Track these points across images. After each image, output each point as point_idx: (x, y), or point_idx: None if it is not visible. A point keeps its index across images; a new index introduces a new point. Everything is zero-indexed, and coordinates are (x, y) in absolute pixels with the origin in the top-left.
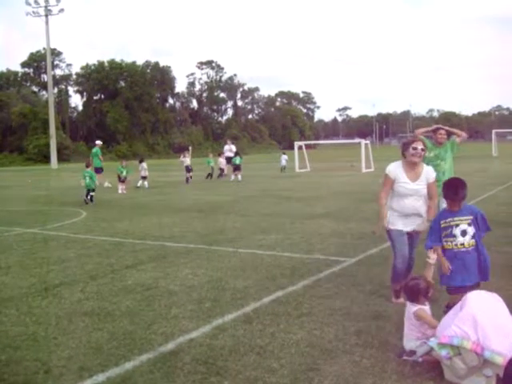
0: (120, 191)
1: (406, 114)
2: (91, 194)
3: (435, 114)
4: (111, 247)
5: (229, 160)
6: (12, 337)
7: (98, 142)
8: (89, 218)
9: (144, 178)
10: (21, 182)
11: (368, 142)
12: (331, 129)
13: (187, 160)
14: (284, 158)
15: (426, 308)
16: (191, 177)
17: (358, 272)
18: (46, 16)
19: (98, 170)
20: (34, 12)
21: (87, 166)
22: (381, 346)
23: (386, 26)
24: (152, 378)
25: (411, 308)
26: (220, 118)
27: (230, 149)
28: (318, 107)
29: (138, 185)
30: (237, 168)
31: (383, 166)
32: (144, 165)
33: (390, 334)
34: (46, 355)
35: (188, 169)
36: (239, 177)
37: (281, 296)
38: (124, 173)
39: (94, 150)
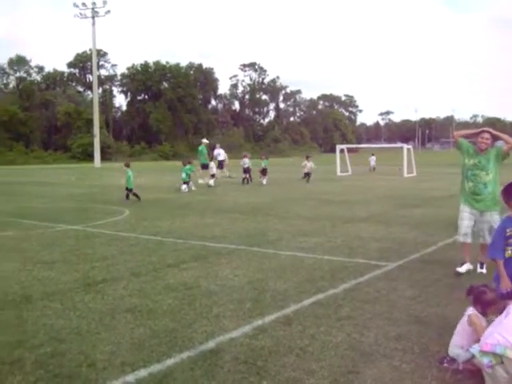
0: (184, 189)
1: (449, 119)
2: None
3: (479, 119)
4: (153, 246)
5: (220, 164)
6: (57, 330)
7: (205, 141)
8: (131, 216)
9: (212, 175)
10: (65, 179)
11: (410, 146)
12: (373, 133)
13: (247, 161)
14: (373, 159)
15: (481, 317)
16: (250, 178)
17: (398, 277)
18: (93, 18)
19: (204, 167)
20: (81, 14)
21: (189, 163)
22: (421, 352)
23: (429, 31)
24: (192, 376)
25: (468, 311)
26: (262, 120)
27: (219, 153)
28: (361, 111)
29: (210, 183)
30: (263, 171)
31: (425, 171)
32: (212, 164)
33: (431, 339)
34: (89, 349)
35: (247, 170)
36: (264, 181)
37: (321, 298)
38: (186, 174)
39: (200, 148)
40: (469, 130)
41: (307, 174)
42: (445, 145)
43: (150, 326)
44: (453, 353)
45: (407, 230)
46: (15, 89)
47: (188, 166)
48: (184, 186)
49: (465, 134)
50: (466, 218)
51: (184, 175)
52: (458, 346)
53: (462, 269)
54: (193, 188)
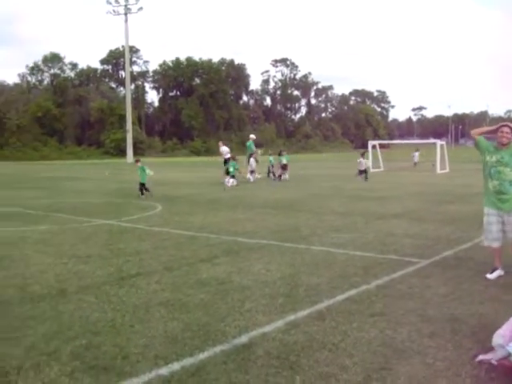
0: (229, 184)
1: (483, 114)
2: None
3: None
4: (186, 240)
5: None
6: (92, 322)
7: (252, 136)
8: (164, 211)
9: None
10: (98, 174)
11: (443, 142)
12: (406, 128)
13: (285, 158)
14: (416, 154)
15: None
16: (282, 174)
17: (432, 274)
18: (126, 14)
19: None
20: (114, 11)
21: (233, 159)
22: (455, 349)
23: (462, 25)
24: (225, 369)
25: None
26: (293, 116)
27: (225, 151)
28: (393, 106)
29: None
30: (284, 167)
31: (458, 168)
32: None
33: (465, 337)
34: (123, 342)
35: (284, 166)
36: (287, 176)
37: (354, 294)
38: (234, 168)
39: (248, 143)
40: (485, 127)
41: (363, 171)
42: None
43: (183, 320)
44: (494, 342)
45: (441, 227)
46: (49, 85)
47: (232, 163)
48: (231, 180)
49: (483, 132)
50: (494, 223)
51: (232, 169)
52: (500, 335)
53: (492, 276)
54: (235, 183)
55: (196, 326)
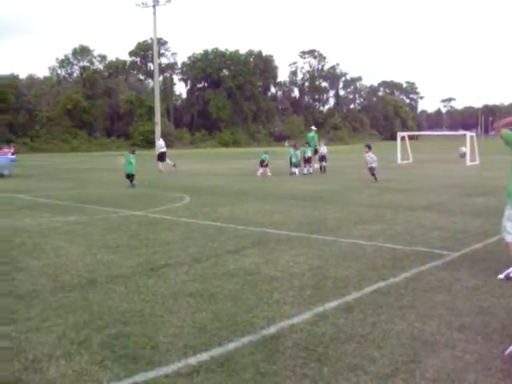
0: (259, 174)
1: None
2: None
3: None
4: (214, 232)
5: (161, 157)
6: (121, 312)
7: (314, 128)
8: (192, 202)
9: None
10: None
11: (473, 134)
12: (434, 120)
13: (324, 149)
14: (462, 149)
15: None
16: (324, 167)
17: (461, 267)
18: (154, 7)
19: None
20: (142, 3)
21: (295, 148)
22: (485, 343)
23: (491, 14)
24: (253, 360)
25: None
26: (321, 107)
27: (161, 145)
28: (422, 98)
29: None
30: (308, 160)
31: (488, 160)
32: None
33: (495, 331)
34: (152, 332)
35: (323, 158)
36: (311, 169)
37: (382, 287)
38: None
39: (310, 135)
40: (509, 118)
41: (373, 169)
42: None
43: (212, 311)
44: None
45: (470, 219)
46: (79, 78)
47: (264, 156)
48: (295, 170)
49: (508, 122)
50: None
51: (295, 159)
52: None
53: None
54: (268, 174)
55: (224, 316)
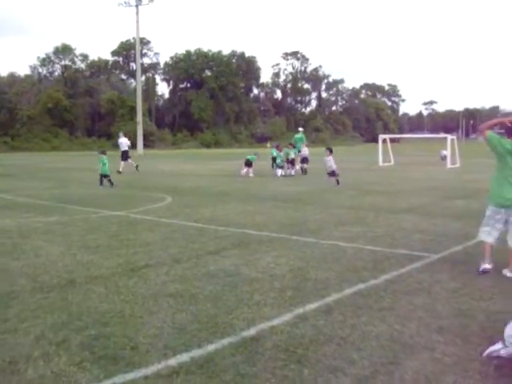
0: (243, 173)
1: (495, 109)
2: None
3: None
4: (195, 232)
5: (123, 155)
6: (101, 313)
7: (301, 129)
8: (173, 203)
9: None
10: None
11: (454, 137)
12: (416, 123)
13: (306, 150)
14: (443, 152)
15: None
16: (306, 169)
17: (441, 269)
18: (137, 6)
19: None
20: (125, 2)
21: (278, 149)
22: (464, 345)
23: (474, 19)
24: (234, 362)
25: None
26: (304, 109)
27: (121, 142)
28: (403, 100)
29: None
30: (292, 162)
31: (469, 163)
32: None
33: (473, 333)
34: (132, 332)
35: (304, 159)
36: (293, 172)
37: (362, 288)
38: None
39: (298, 136)
40: (494, 120)
41: (333, 173)
42: None
43: (192, 312)
44: (506, 333)
45: (450, 222)
46: (60, 76)
47: (252, 156)
48: (279, 171)
49: (492, 124)
50: None
51: (279, 160)
52: None
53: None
54: (251, 175)
55: (204, 317)
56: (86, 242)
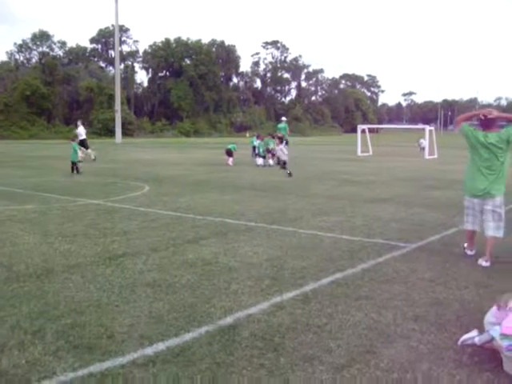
0: (230, 163)
1: (473, 101)
2: None
3: (503, 102)
4: (173, 221)
5: (83, 144)
6: (77, 302)
7: (284, 118)
8: (151, 192)
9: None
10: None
11: (432, 128)
12: (395, 113)
13: (271, 143)
14: (422, 141)
15: None
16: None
17: (417, 258)
18: None
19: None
20: None
21: (259, 139)
22: (439, 333)
23: (452, 11)
24: (210, 351)
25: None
26: (283, 99)
27: (80, 132)
28: (383, 91)
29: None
30: (270, 151)
31: (446, 153)
32: None
33: (449, 321)
34: (108, 321)
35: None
36: (271, 161)
37: (340, 278)
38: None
39: (282, 125)
40: (470, 113)
41: (283, 162)
42: None
43: (169, 301)
44: (486, 320)
45: (428, 212)
46: (38, 64)
47: (232, 146)
48: (260, 160)
49: (468, 117)
50: None
51: (261, 150)
52: (492, 319)
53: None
54: (230, 164)
55: (181, 306)
56: (62, 231)
